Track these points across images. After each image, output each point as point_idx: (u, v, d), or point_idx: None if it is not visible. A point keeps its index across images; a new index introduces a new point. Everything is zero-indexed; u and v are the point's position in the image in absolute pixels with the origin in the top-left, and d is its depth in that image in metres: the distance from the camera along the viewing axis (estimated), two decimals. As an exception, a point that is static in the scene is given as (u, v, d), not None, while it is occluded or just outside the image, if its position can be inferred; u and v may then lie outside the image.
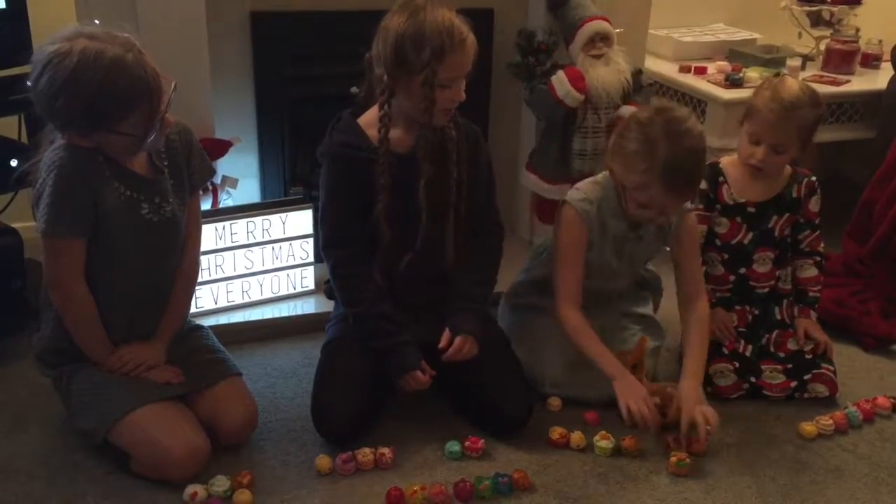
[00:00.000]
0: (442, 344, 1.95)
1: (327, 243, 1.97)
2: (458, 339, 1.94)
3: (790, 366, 2.15)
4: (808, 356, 2.16)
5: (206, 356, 1.95)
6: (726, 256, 2.23)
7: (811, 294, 2.24)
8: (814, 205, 2.20)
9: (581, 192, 2.04)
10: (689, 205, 2.04)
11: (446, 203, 1.96)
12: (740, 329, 2.21)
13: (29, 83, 1.66)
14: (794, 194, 2.19)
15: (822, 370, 2.15)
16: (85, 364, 1.84)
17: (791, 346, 2.18)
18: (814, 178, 2.20)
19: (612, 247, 2.05)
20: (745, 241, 2.20)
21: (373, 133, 1.89)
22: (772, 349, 2.18)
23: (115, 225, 1.76)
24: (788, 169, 2.20)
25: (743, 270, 2.22)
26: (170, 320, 1.93)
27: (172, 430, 1.76)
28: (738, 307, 2.23)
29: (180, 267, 1.94)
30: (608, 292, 2.17)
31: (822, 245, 2.25)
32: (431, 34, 1.76)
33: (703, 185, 2.18)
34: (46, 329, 1.88)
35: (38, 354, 1.90)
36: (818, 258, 2.24)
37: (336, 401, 1.91)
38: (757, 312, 2.23)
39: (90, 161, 1.72)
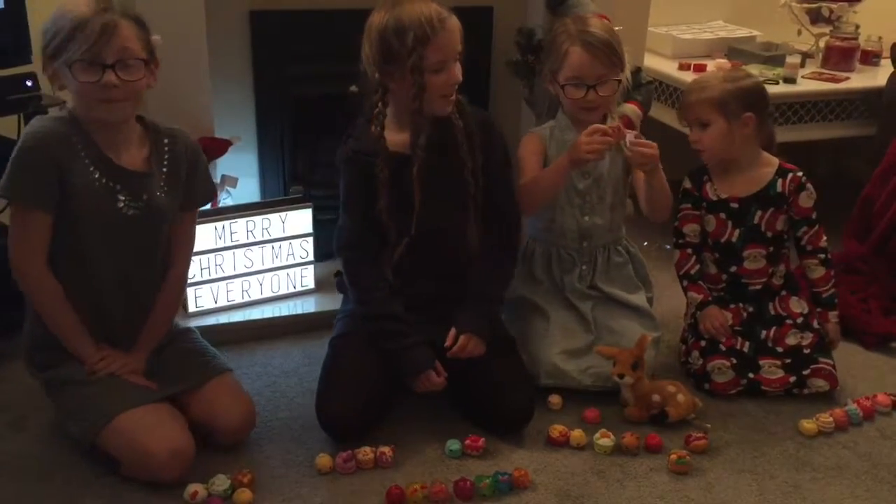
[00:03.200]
0: (447, 342, 1.95)
1: (341, 244, 2.00)
2: (462, 338, 1.95)
3: (789, 361, 2.15)
4: (807, 351, 2.16)
5: (193, 358, 1.94)
6: (717, 255, 2.24)
7: (825, 295, 2.25)
8: (804, 200, 2.19)
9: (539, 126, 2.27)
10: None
11: (465, 194, 1.96)
12: (736, 328, 2.21)
13: None
14: (779, 189, 2.19)
15: (821, 365, 2.15)
16: (69, 363, 1.83)
17: (789, 340, 2.17)
18: (800, 174, 2.20)
19: None
20: (733, 239, 2.21)
21: (388, 138, 1.91)
22: (770, 344, 2.18)
23: (83, 211, 1.76)
24: (774, 164, 2.21)
25: (734, 269, 2.23)
26: (150, 332, 1.91)
27: (155, 433, 1.74)
28: (732, 306, 2.24)
29: (166, 279, 1.93)
30: (590, 235, 2.18)
31: (825, 239, 2.24)
32: (411, 21, 1.80)
33: (688, 184, 2.25)
34: (27, 324, 1.88)
35: (25, 355, 1.90)
36: (822, 255, 2.24)
37: (342, 397, 1.91)
38: (751, 310, 2.24)
39: (66, 137, 1.74)
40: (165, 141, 1.86)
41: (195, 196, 1.94)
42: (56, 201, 1.74)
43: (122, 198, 1.80)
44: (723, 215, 2.21)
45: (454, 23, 1.85)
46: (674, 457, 1.90)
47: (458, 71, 1.88)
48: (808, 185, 2.19)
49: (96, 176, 1.77)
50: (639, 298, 2.22)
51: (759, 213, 2.19)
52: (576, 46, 2.04)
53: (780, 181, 2.19)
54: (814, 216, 2.21)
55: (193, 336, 2.02)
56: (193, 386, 1.87)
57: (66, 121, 1.76)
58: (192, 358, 1.95)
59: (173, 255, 1.94)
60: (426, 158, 1.90)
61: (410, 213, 1.93)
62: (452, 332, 1.96)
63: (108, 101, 1.73)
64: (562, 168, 2.06)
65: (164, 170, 1.85)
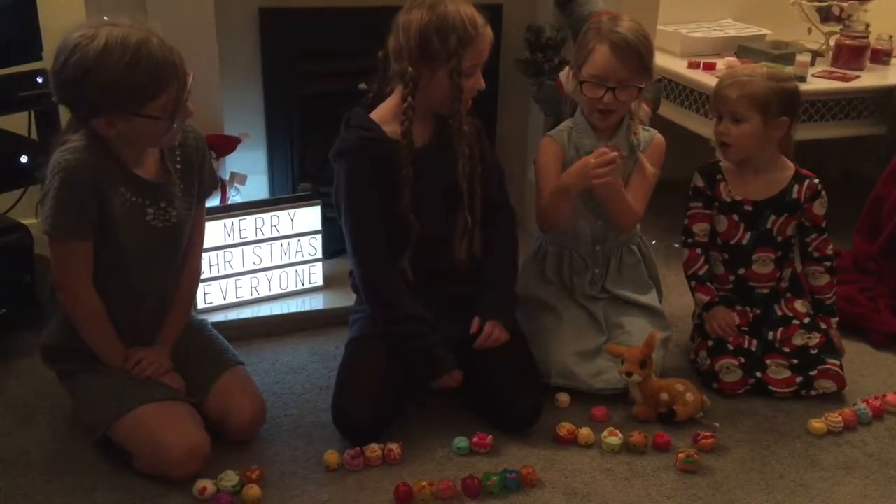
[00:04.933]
0: (472, 330, 1.96)
1: (356, 243, 1.95)
2: (487, 325, 1.97)
3: (796, 361, 2.15)
4: (814, 351, 2.15)
5: (207, 353, 1.95)
6: (726, 256, 2.23)
7: (828, 302, 2.24)
8: (818, 208, 2.19)
9: (555, 129, 2.21)
10: (654, 130, 2.19)
11: (469, 196, 1.97)
12: (742, 328, 2.20)
13: (52, 72, 1.66)
14: (795, 195, 2.17)
15: (828, 366, 2.14)
16: (91, 362, 1.84)
17: (796, 341, 2.17)
18: (816, 181, 2.18)
19: None
20: (744, 242, 2.19)
21: (389, 128, 1.90)
22: (777, 345, 2.18)
23: (119, 230, 1.76)
24: (791, 168, 2.19)
25: (742, 271, 2.22)
26: (172, 325, 1.92)
27: (172, 429, 1.75)
28: (738, 307, 2.23)
29: (183, 273, 1.94)
30: (603, 237, 2.18)
31: (831, 248, 2.23)
32: (455, 24, 1.80)
33: (700, 182, 2.22)
34: (53, 327, 1.88)
35: (43, 351, 1.91)
36: (828, 263, 2.23)
37: (359, 401, 1.91)
38: (758, 312, 2.23)
39: (97, 164, 1.71)
40: None
41: (205, 187, 1.94)
42: (96, 227, 1.74)
43: (151, 211, 1.80)
44: (735, 217, 2.19)
45: (490, 31, 1.87)
46: (682, 455, 1.89)
47: (481, 78, 1.89)
48: (823, 193, 2.18)
49: (127, 196, 1.76)
50: (650, 298, 2.22)
51: (772, 217, 2.17)
52: (602, 45, 2.01)
53: (796, 187, 2.17)
54: (824, 224, 2.21)
55: (207, 329, 2.03)
56: (208, 384, 1.88)
57: (91, 145, 1.71)
58: (206, 353, 1.95)
59: (188, 249, 1.94)
60: (432, 160, 1.90)
61: (436, 217, 1.94)
62: (476, 321, 1.97)
63: (182, 128, 1.76)
64: (568, 192, 2.06)
65: (179, 167, 1.85)
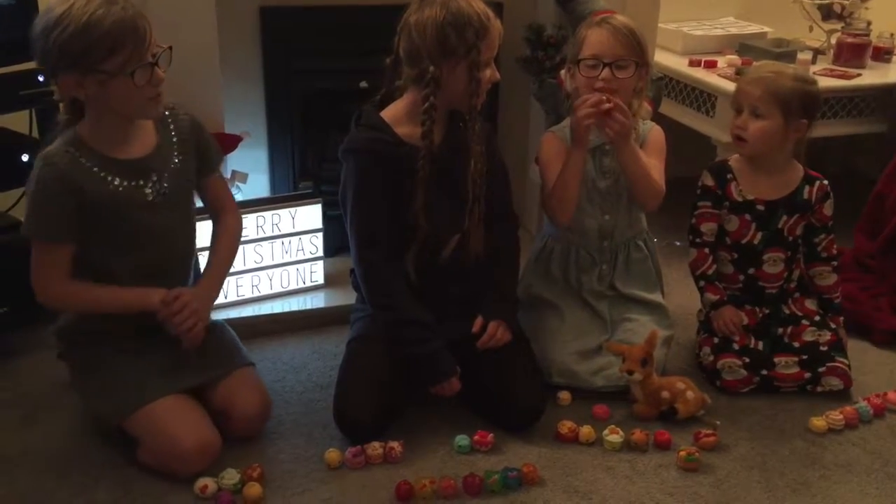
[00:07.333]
0: (475, 329, 1.97)
1: (360, 243, 1.95)
2: (491, 325, 1.97)
3: (805, 357, 2.15)
4: (824, 348, 2.15)
5: (220, 348, 1.96)
6: (736, 255, 2.23)
7: (836, 301, 2.25)
8: (828, 209, 2.20)
9: (557, 125, 2.24)
10: (650, 122, 2.19)
11: (476, 194, 1.97)
12: (750, 328, 2.20)
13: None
14: (806, 196, 2.18)
15: (837, 363, 2.14)
16: (104, 348, 1.84)
17: (807, 337, 2.17)
18: (826, 182, 2.19)
19: (591, 163, 2.12)
20: (755, 242, 2.19)
21: (401, 130, 1.91)
22: (786, 340, 2.18)
23: (116, 216, 1.77)
24: (800, 170, 2.19)
25: (752, 271, 2.22)
26: (213, 274, 1.93)
27: (186, 424, 1.77)
28: (747, 307, 2.23)
29: (219, 229, 1.97)
30: (610, 233, 2.18)
31: (835, 247, 2.25)
32: (470, 17, 1.82)
33: (710, 181, 2.21)
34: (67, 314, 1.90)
35: (59, 335, 1.91)
36: (835, 262, 2.24)
37: (361, 401, 1.91)
38: (767, 311, 2.23)
39: (72, 164, 1.74)
40: (166, 112, 1.87)
41: (212, 155, 1.96)
42: (78, 228, 1.75)
43: (150, 190, 1.82)
44: (747, 217, 2.18)
45: (499, 23, 1.89)
46: (683, 453, 1.89)
47: (496, 70, 1.91)
48: (831, 194, 2.19)
49: (115, 183, 1.78)
50: (657, 296, 2.22)
51: (784, 217, 2.17)
52: (596, 29, 2.03)
53: (807, 188, 2.18)
54: (830, 224, 2.21)
55: (227, 329, 2.04)
56: (220, 375, 1.89)
57: (69, 143, 1.75)
58: (219, 348, 1.96)
59: (220, 211, 1.98)
60: (447, 158, 1.91)
61: (445, 217, 1.95)
62: (479, 320, 1.98)
63: (157, 98, 1.76)
64: (575, 156, 2.04)
65: (175, 138, 1.87)
